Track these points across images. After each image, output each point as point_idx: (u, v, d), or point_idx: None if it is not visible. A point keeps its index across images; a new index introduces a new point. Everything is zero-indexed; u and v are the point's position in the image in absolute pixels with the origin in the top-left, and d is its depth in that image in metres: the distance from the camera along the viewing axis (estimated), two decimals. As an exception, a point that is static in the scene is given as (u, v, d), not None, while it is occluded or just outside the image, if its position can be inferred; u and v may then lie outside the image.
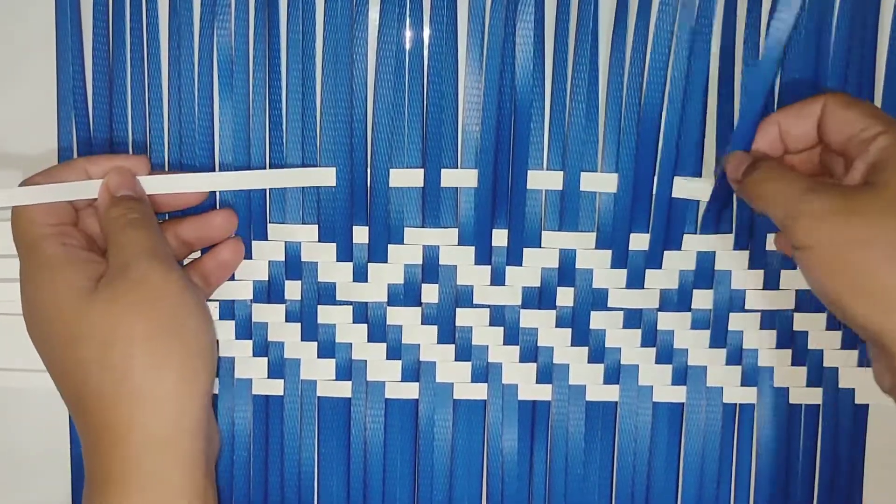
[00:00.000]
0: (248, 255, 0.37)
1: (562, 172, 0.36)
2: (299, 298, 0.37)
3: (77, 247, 0.33)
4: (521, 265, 0.37)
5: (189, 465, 0.31)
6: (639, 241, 0.37)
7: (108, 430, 0.30)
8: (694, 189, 0.36)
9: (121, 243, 0.32)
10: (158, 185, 0.35)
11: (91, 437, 0.31)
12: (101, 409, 0.30)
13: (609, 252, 0.37)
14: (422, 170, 0.36)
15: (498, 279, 0.37)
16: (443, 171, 0.36)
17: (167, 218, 0.36)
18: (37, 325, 0.32)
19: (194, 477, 0.31)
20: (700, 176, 0.36)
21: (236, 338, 0.38)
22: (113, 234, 0.33)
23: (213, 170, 0.37)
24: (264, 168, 0.37)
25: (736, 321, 0.38)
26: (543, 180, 0.36)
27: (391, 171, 0.36)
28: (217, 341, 0.36)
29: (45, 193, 0.33)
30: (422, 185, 0.36)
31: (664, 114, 0.36)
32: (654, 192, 0.36)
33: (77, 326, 0.31)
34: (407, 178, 0.36)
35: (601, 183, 0.36)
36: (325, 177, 0.36)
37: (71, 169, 0.34)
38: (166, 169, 0.37)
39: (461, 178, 0.36)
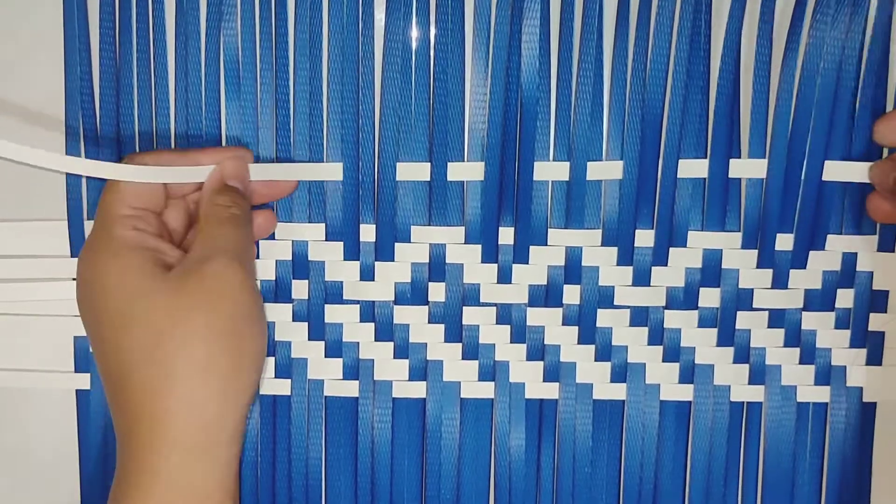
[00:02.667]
0: (256, 255, 0.37)
1: (567, 166, 0.36)
2: (306, 298, 0.37)
3: (150, 233, 0.32)
4: (527, 263, 0.37)
5: (221, 471, 0.30)
6: (644, 238, 0.37)
7: (144, 424, 0.30)
8: (699, 167, 0.36)
9: (212, 235, 0.32)
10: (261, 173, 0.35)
11: (125, 428, 0.30)
12: (140, 401, 0.30)
13: (615, 249, 0.37)
14: (428, 164, 0.36)
15: (504, 277, 0.37)
16: (449, 165, 0.36)
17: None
18: (91, 305, 0.31)
19: (224, 482, 0.30)
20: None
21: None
22: (208, 224, 0.32)
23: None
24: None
25: (743, 320, 0.38)
26: (550, 175, 0.36)
27: (398, 164, 0.36)
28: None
29: (156, 174, 0.33)
30: (428, 180, 0.36)
31: (667, 107, 0.36)
32: (657, 189, 0.36)
33: (135, 310, 0.30)
34: (414, 172, 0.36)
35: (606, 176, 0.36)
36: (332, 172, 0.36)
37: (181, 155, 0.34)
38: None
39: (468, 172, 0.36)
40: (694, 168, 0.36)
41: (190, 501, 0.29)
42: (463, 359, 0.38)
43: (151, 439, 0.29)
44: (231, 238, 0.32)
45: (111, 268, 0.31)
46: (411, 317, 0.38)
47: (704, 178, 0.36)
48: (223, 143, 0.36)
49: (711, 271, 0.37)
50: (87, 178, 0.37)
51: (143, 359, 0.29)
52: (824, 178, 0.36)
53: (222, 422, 0.30)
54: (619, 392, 0.38)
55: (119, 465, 0.30)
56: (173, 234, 0.34)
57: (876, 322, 0.37)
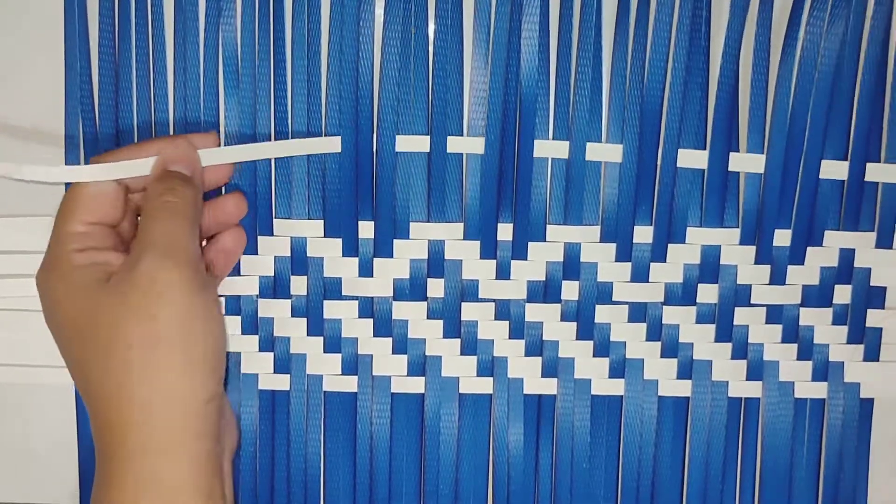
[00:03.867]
0: (254, 251, 0.37)
1: (566, 161, 0.36)
2: (305, 293, 0.37)
3: (101, 248, 0.32)
4: (526, 259, 0.37)
5: (192, 467, 0.30)
6: (643, 234, 0.37)
7: (109, 431, 0.30)
8: (698, 159, 0.36)
9: (144, 229, 0.31)
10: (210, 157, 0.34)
11: (96, 435, 0.31)
12: (102, 410, 0.30)
13: (613, 245, 0.37)
14: (428, 151, 0.37)
15: (503, 273, 0.37)
16: (448, 156, 0.36)
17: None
18: (50, 321, 0.32)
19: (197, 478, 0.30)
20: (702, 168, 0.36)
21: (242, 333, 0.38)
22: (144, 216, 0.32)
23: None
24: (269, 164, 0.37)
25: (741, 316, 0.38)
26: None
27: (398, 137, 0.36)
28: (226, 339, 0.36)
29: (96, 171, 0.32)
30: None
31: (666, 101, 0.36)
32: (656, 186, 0.36)
33: (82, 326, 0.30)
34: (413, 156, 0.37)
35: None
36: (330, 144, 0.36)
37: (141, 148, 0.33)
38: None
39: (468, 149, 0.37)
40: (693, 160, 0.36)
41: (162, 500, 0.30)
42: (462, 354, 0.38)
43: (118, 445, 0.30)
44: (164, 230, 0.31)
45: (59, 287, 0.31)
46: (410, 312, 0.38)
47: (703, 172, 0.36)
48: (222, 139, 0.37)
49: (710, 267, 0.37)
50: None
51: (98, 371, 0.30)
52: (821, 176, 0.36)
53: (183, 421, 0.30)
54: (617, 388, 0.38)
55: (97, 471, 0.31)
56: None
57: (874, 318, 0.38)
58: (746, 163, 0.36)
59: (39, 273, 0.32)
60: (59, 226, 0.32)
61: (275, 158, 0.37)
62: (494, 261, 0.37)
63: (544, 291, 0.37)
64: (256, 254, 0.37)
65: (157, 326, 0.30)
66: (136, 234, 0.32)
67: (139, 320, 0.30)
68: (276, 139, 0.37)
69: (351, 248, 0.37)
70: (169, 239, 0.31)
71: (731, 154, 0.36)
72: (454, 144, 0.36)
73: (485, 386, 0.38)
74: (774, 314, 0.38)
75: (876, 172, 0.37)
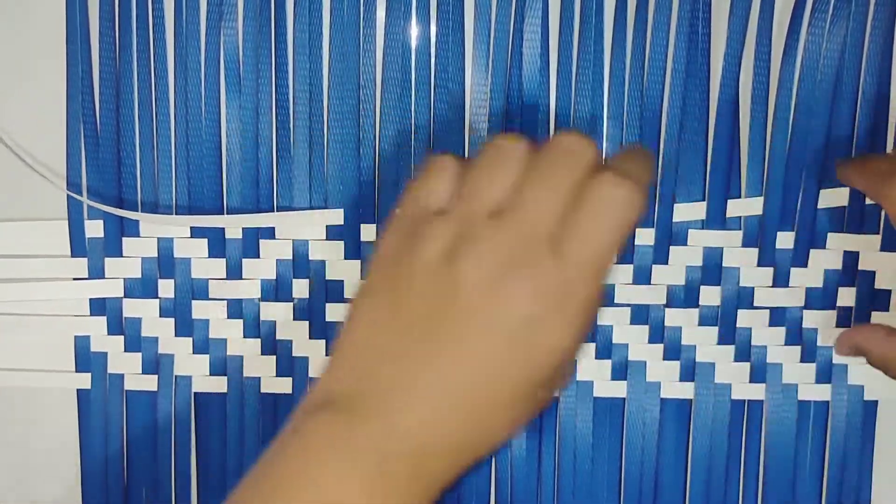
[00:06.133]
0: (256, 255, 0.37)
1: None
2: (307, 296, 0.37)
3: None
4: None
5: None
6: (645, 237, 0.37)
7: None
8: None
9: None
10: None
11: None
12: None
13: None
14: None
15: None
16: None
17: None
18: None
19: None
20: (704, 169, 0.36)
21: (244, 336, 0.38)
22: None
23: (221, 168, 0.37)
24: (272, 166, 0.37)
25: (744, 318, 0.37)
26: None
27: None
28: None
29: None
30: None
31: (665, 104, 0.36)
32: (657, 187, 0.36)
33: None
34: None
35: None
36: (333, 217, 0.37)
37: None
38: (173, 169, 0.37)
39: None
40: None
41: None
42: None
43: None
44: None
45: None
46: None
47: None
48: (223, 144, 0.37)
49: (712, 270, 0.37)
50: (88, 176, 0.37)
51: None
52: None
53: None
54: (619, 390, 0.38)
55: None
56: None
57: (878, 321, 0.37)
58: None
59: None
60: None
61: (277, 158, 0.37)
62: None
63: (546, 294, 0.37)
64: (258, 257, 0.37)
65: None
66: None
67: None
68: (277, 141, 0.37)
69: (353, 251, 0.37)
70: None
71: (733, 156, 0.36)
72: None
73: (487, 389, 0.38)
74: (777, 316, 0.37)
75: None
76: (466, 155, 0.36)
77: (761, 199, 0.36)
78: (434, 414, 0.27)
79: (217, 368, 0.38)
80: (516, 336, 0.27)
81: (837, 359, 0.38)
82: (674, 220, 0.37)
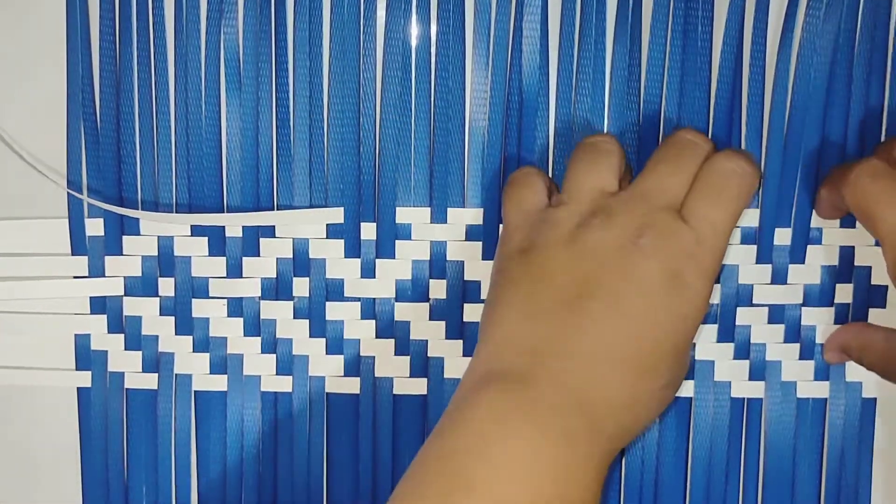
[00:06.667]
0: (256, 253, 0.37)
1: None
2: (307, 295, 0.37)
3: None
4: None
5: None
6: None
7: None
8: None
9: None
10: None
11: None
12: None
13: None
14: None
15: (505, 274, 0.37)
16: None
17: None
18: None
19: None
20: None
21: (244, 335, 0.38)
22: None
23: (221, 166, 0.37)
24: (272, 165, 0.37)
25: (743, 316, 0.38)
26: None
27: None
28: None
29: None
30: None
31: (664, 102, 0.36)
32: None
33: None
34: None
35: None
36: (333, 215, 0.37)
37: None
38: (174, 168, 0.37)
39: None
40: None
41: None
42: (464, 355, 0.38)
43: None
44: None
45: None
46: (412, 314, 0.38)
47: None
48: (223, 141, 0.37)
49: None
50: (88, 174, 0.37)
51: None
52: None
53: None
54: (619, 388, 0.38)
55: None
56: None
57: (875, 317, 0.38)
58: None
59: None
60: None
61: (277, 156, 0.37)
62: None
63: (546, 292, 0.37)
64: (258, 255, 0.37)
65: None
66: None
67: None
68: (277, 139, 0.37)
69: (353, 250, 0.37)
70: None
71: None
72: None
73: (487, 387, 0.38)
74: (776, 314, 0.38)
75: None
76: (467, 155, 0.37)
77: (758, 196, 0.37)
78: (599, 372, 0.29)
79: (217, 367, 0.38)
80: (661, 291, 0.30)
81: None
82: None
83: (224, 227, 0.37)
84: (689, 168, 0.32)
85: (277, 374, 0.38)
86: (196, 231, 0.37)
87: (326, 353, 0.38)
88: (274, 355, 0.38)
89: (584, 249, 0.30)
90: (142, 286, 0.38)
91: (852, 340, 0.36)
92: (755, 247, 0.37)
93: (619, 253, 0.30)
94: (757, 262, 0.37)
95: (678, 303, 0.30)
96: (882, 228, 0.31)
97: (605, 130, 0.36)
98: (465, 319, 0.38)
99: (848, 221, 0.37)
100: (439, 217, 0.37)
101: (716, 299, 0.37)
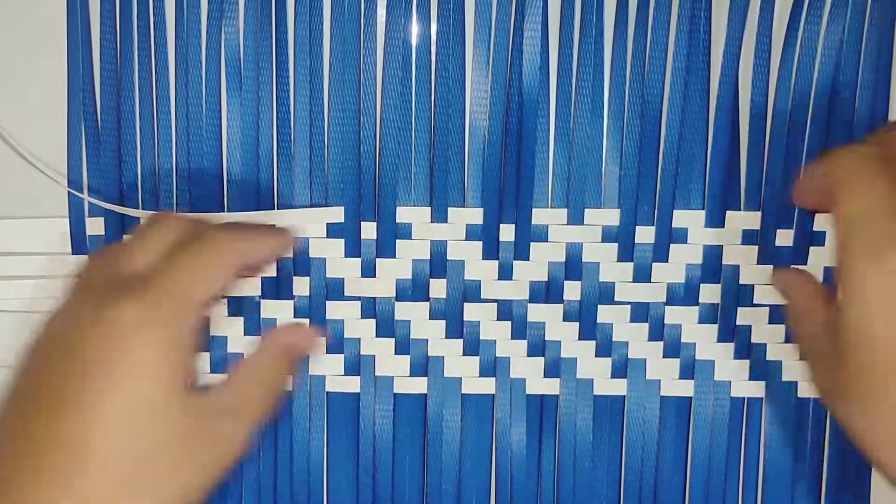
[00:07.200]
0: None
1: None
2: (307, 294, 0.38)
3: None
4: (528, 259, 0.37)
5: None
6: (645, 235, 0.37)
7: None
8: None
9: None
10: None
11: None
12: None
13: (615, 245, 0.37)
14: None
15: (506, 274, 0.37)
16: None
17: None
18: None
19: None
20: (704, 168, 0.36)
21: (245, 334, 0.38)
22: None
23: (221, 166, 0.37)
24: (272, 164, 0.37)
25: (744, 315, 0.38)
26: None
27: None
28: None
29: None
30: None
31: (665, 102, 0.36)
32: (657, 185, 0.37)
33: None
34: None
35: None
36: (333, 215, 0.37)
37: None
38: (174, 167, 0.37)
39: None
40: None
41: None
42: (464, 354, 0.38)
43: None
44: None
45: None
46: (413, 313, 0.38)
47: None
48: (224, 142, 0.37)
49: (712, 267, 0.37)
50: (89, 173, 0.37)
51: None
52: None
53: None
54: (619, 388, 0.38)
55: None
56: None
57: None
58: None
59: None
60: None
61: (277, 155, 0.37)
62: (497, 261, 0.37)
63: (546, 292, 0.37)
64: (259, 255, 0.37)
65: None
66: None
67: None
68: (277, 139, 0.37)
69: (353, 249, 0.37)
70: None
71: (733, 154, 0.36)
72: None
73: (487, 386, 0.38)
74: (777, 314, 0.38)
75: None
76: (467, 155, 0.37)
77: (760, 197, 0.37)
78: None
79: (218, 366, 0.38)
80: None
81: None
82: (674, 218, 0.37)
83: (224, 226, 0.37)
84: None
85: (278, 373, 0.38)
86: (196, 230, 0.37)
87: (327, 352, 0.38)
88: (274, 354, 0.38)
89: None
90: (142, 285, 0.38)
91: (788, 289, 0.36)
92: (756, 247, 0.37)
93: None
94: (758, 263, 0.37)
95: None
96: (839, 211, 0.30)
97: (605, 130, 0.36)
98: (465, 319, 0.38)
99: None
100: (439, 217, 0.37)
101: (715, 299, 0.37)
